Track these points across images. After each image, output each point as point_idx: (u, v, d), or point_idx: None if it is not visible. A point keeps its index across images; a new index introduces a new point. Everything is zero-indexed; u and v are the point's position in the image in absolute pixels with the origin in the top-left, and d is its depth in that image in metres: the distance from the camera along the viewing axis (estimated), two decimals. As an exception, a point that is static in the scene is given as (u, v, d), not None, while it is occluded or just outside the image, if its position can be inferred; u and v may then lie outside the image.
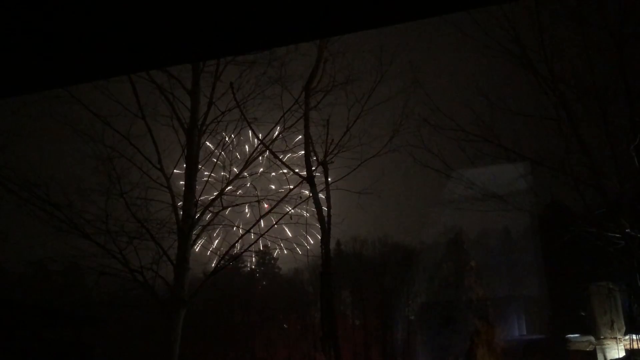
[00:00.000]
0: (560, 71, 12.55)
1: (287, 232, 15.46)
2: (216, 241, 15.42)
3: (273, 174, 15.72)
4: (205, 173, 14.27)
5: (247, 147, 16.02)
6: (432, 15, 1.65)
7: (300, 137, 14.98)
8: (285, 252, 15.33)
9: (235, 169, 14.66)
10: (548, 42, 12.39)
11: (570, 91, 12.58)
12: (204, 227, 13.75)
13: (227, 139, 14.62)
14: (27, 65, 1.85)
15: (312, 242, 14.86)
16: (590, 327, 18.36)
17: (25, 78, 1.94)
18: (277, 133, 14.98)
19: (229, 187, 14.25)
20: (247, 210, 15.06)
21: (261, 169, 15.57)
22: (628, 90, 12.13)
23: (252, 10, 1.61)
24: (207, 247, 14.78)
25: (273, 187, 15.88)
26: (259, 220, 14.03)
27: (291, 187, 14.71)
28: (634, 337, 17.28)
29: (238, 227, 14.19)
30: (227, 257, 14.18)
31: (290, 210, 14.54)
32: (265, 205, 14.50)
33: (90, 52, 1.79)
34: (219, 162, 14.52)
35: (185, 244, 12.75)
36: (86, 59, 1.83)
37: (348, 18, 1.64)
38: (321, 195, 13.99)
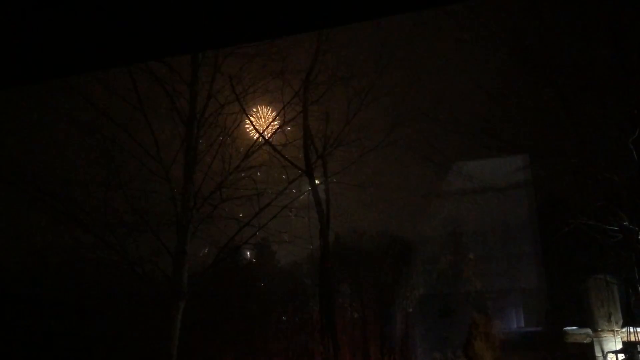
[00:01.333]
0: (559, 63, 12.53)
1: (286, 225, 15.47)
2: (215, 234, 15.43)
3: (275, 174, 15.70)
4: (199, 171, 14.23)
5: (246, 140, 16.01)
6: (430, 6, 1.65)
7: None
8: (280, 249, 15.34)
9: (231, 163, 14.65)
10: (547, 33, 12.37)
11: (569, 83, 12.56)
12: (203, 220, 13.75)
13: (226, 131, 14.62)
14: (26, 56, 1.84)
15: (311, 235, 14.87)
16: (588, 320, 18.41)
17: (23, 69, 1.94)
18: (276, 126, 15.00)
19: (227, 180, 14.25)
20: (242, 204, 14.99)
21: (261, 163, 15.56)
22: (627, 83, 12.13)
23: (250, 1, 1.61)
24: (206, 240, 14.79)
25: (272, 179, 15.87)
26: (258, 213, 14.03)
27: (290, 180, 14.72)
28: (631, 329, 17.34)
29: (237, 219, 14.18)
30: (226, 249, 14.19)
31: (289, 203, 14.55)
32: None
33: (89, 42, 1.79)
34: (217, 154, 14.52)
35: (184, 236, 12.75)
36: (85, 50, 1.83)
37: (346, 9, 1.63)
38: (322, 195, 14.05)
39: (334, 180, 14.83)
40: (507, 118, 13.23)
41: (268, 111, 16.35)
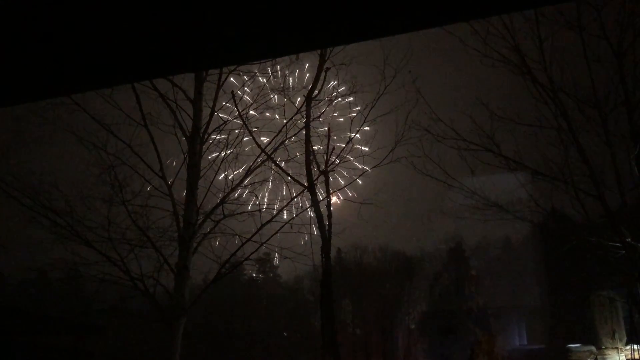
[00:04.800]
0: (560, 80, 12.61)
1: (287, 241, 15.47)
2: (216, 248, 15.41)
3: (281, 186, 15.72)
4: (202, 187, 14.27)
5: (248, 156, 16.07)
6: (432, 26, 1.68)
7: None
8: (282, 264, 15.29)
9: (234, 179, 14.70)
10: (548, 51, 12.46)
11: (570, 100, 12.62)
12: (205, 236, 13.76)
13: (228, 147, 14.68)
14: (31, 73, 1.87)
15: (313, 250, 14.86)
16: (592, 337, 18.31)
17: (28, 86, 1.96)
18: (279, 143, 15.08)
19: (230, 196, 14.28)
20: (244, 220, 14.98)
21: (263, 179, 15.61)
22: (628, 100, 12.18)
23: (253, 20, 1.64)
24: (208, 255, 14.79)
25: (274, 195, 15.89)
26: (260, 229, 14.03)
27: (292, 195, 14.75)
28: (635, 347, 17.22)
29: (239, 235, 14.17)
30: (227, 265, 14.17)
31: (291, 219, 14.55)
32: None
33: (94, 60, 1.81)
34: (220, 170, 14.57)
35: (186, 252, 12.75)
36: (89, 67, 1.85)
37: (348, 28, 1.67)
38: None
39: (336, 196, 14.86)
40: (509, 134, 13.27)
41: (271, 127, 16.44)
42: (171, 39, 1.72)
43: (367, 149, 14.98)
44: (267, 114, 15.37)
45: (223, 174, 14.47)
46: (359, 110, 14.70)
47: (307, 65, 15.14)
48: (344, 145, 15.07)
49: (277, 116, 15.52)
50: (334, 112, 15.56)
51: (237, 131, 14.79)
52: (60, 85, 2.01)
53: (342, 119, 15.91)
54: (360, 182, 15.31)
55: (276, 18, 1.62)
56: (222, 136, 14.48)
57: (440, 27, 1.77)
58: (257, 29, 1.66)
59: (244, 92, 14.61)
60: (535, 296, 38.15)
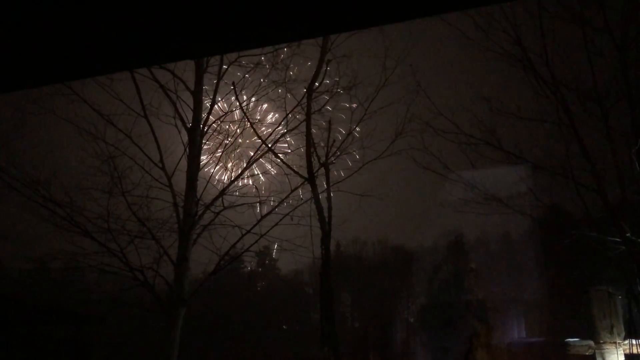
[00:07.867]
0: (562, 74, 12.58)
1: (287, 233, 15.48)
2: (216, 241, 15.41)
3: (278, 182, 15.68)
4: (202, 179, 14.25)
5: (248, 147, 16.06)
6: (431, 14, 1.67)
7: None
8: (281, 257, 15.27)
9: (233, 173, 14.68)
10: (549, 45, 12.41)
11: (572, 95, 12.59)
12: (205, 227, 13.76)
13: (229, 139, 14.67)
14: (28, 59, 1.85)
15: (312, 243, 14.85)
16: (590, 331, 18.31)
17: (25, 72, 1.94)
18: (279, 135, 15.06)
19: (230, 187, 14.28)
20: (245, 211, 14.96)
21: (264, 171, 15.60)
22: (629, 94, 12.15)
23: (254, 6, 1.62)
24: (207, 247, 14.80)
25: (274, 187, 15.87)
26: (260, 221, 14.03)
27: (292, 188, 14.73)
28: (634, 342, 17.24)
29: (239, 227, 14.16)
30: (227, 257, 14.17)
31: (292, 211, 14.54)
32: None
33: (92, 46, 1.79)
34: (220, 162, 14.56)
35: (186, 243, 12.76)
36: (88, 54, 1.84)
37: (348, 15, 1.65)
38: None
39: (336, 189, 14.85)
40: (510, 128, 13.26)
41: (271, 119, 16.44)
42: (169, 24, 1.70)
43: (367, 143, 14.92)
44: (267, 105, 15.39)
45: (223, 165, 14.48)
46: (359, 102, 14.66)
47: (308, 57, 15.08)
48: (343, 140, 15.03)
49: (276, 109, 15.54)
50: (335, 104, 15.50)
51: (237, 123, 14.79)
52: (57, 71, 1.99)
53: (343, 115, 15.86)
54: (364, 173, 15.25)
55: (278, 2, 1.61)
56: (223, 127, 14.48)
57: (438, 15, 1.75)
58: (258, 13, 1.64)
59: (244, 84, 14.55)
60: (534, 290, 38.26)
